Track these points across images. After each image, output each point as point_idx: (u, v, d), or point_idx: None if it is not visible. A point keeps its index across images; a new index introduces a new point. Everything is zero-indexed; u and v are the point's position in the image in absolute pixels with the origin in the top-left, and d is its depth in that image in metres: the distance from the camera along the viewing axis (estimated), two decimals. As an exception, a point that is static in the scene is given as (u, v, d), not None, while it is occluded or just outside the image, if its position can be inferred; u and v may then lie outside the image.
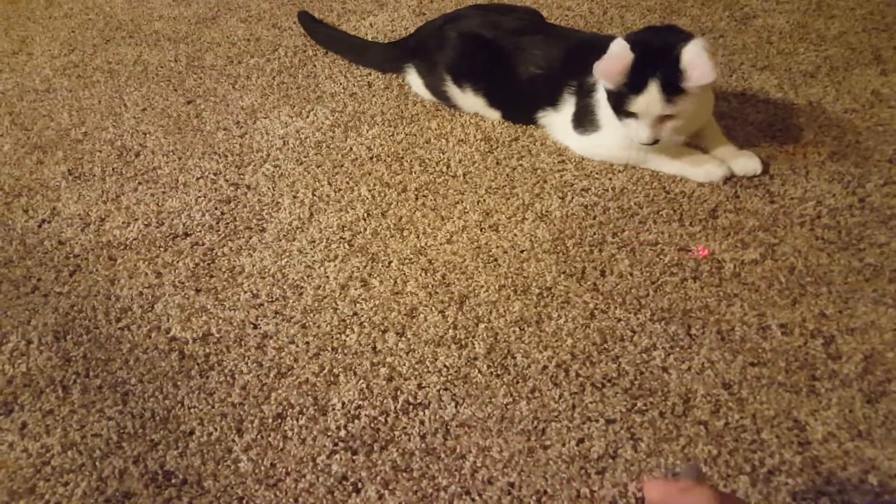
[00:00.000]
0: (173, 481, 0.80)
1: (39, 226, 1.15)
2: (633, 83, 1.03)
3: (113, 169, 1.26)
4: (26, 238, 1.13)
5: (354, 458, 0.81)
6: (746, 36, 1.49)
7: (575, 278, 1.00)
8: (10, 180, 1.25)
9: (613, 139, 1.14)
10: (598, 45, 1.14)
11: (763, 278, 0.98)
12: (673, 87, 1.01)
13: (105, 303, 1.01)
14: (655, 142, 1.08)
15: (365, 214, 1.14)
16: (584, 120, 1.17)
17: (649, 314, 0.94)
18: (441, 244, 1.08)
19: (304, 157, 1.27)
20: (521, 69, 1.22)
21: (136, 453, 0.82)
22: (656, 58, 1.03)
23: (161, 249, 1.09)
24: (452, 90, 1.30)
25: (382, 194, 1.18)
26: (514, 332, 0.93)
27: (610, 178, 1.16)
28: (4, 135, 1.37)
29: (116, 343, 0.95)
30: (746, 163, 1.14)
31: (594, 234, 1.06)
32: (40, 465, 0.82)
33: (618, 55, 1.04)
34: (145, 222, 1.14)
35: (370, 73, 1.47)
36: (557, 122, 1.22)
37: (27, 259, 1.09)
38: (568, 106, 1.19)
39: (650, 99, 1.03)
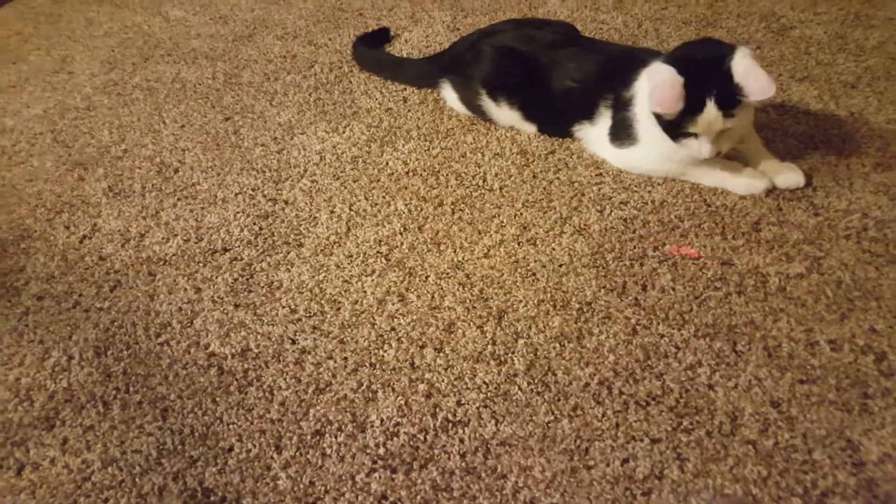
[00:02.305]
0: (212, 499, 0.79)
1: (80, 241, 1.17)
2: (690, 105, 1.01)
3: (152, 185, 1.28)
4: (67, 254, 1.15)
5: (394, 476, 0.80)
6: (784, 47, 1.47)
7: (616, 293, 0.98)
8: (52, 197, 1.28)
9: (652, 152, 1.13)
10: (633, 58, 1.13)
11: (809, 293, 0.96)
12: (730, 101, 1.00)
13: (145, 318, 1.02)
14: (717, 155, 1.06)
15: (402, 229, 1.14)
16: (622, 133, 1.16)
17: (693, 330, 0.92)
18: (478, 258, 1.07)
19: (341, 172, 1.28)
20: (557, 82, 1.21)
21: (176, 470, 0.83)
22: (706, 75, 1.01)
23: (200, 265, 1.10)
24: (488, 104, 1.30)
25: (419, 209, 1.18)
26: (554, 348, 0.92)
27: (649, 191, 1.14)
28: (46, 152, 1.40)
29: (156, 358, 0.96)
30: (789, 176, 1.11)
31: (634, 247, 1.05)
32: (81, 480, 0.82)
33: (669, 82, 1.01)
34: (184, 238, 1.16)
35: (405, 89, 1.48)
36: (594, 135, 1.21)
37: (68, 275, 1.11)
38: (604, 119, 1.18)
39: (710, 118, 1.01)
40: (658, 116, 1.06)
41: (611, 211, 1.12)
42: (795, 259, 1.01)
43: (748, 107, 1.03)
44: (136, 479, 0.82)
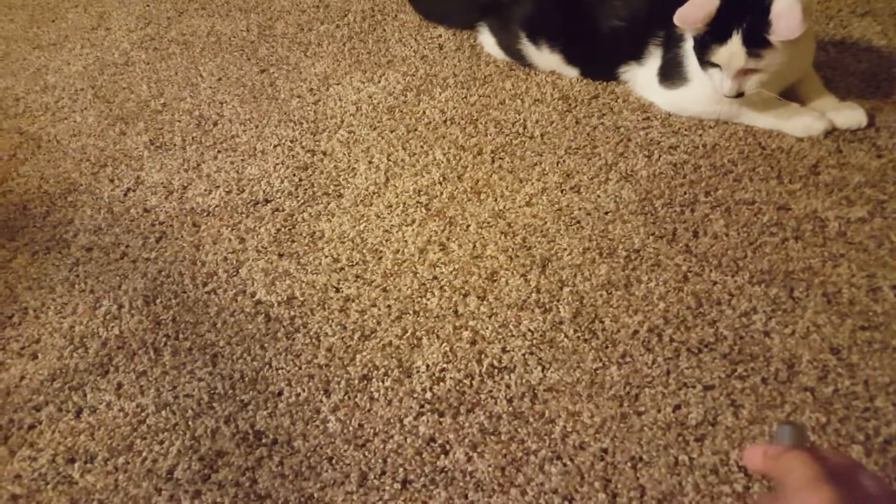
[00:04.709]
0: (264, 441, 0.81)
1: (125, 194, 1.18)
2: (716, 32, 0.96)
3: (192, 138, 1.28)
4: (113, 206, 1.16)
5: (441, 420, 0.80)
6: (845, -20, 1.38)
7: (665, 240, 0.95)
8: (96, 151, 1.29)
9: (703, 92, 1.08)
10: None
11: (872, 237, 0.91)
12: (758, 40, 0.94)
13: (191, 268, 1.03)
14: (739, 95, 1.01)
15: (441, 178, 1.12)
16: (672, 73, 1.11)
17: (748, 276, 0.89)
18: (520, 207, 1.04)
19: (378, 122, 1.26)
20: (602, 22, 1.16)
21: (227, 413, 0.84)
22: (744, 6, 0.95)
23: (243, 216, 1.10)
24: (528, 48, 1.25)
25: (458, 157, 1.15)
26: (601, 295, 0.90)
27: (700, 135, 1.10)
28: (88, 108, 1.41)
29: (204, 307, 0.97)
30: (850, 115, 1.05)
31: (685, 193, 1.01)
32: (136, 423, 0.84)
33: (703, 1, 0.97)
34: (226, 189, 1.16)
35: (441, 35, 1.44)
36: (642, 76, 1.16)
37: (115, 226, 1.12)
38: (654, 59, 1.13)
39: (732, 51, 0.96)
40: (694, 40, 1.01)
41: (659, 156, 1.08)
42: (857, 203, 0.96)
43: (783, 50, 0.95)
44: (189, 422, 0.83)
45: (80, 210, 1.16)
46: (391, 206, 1.09)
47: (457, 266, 0.98)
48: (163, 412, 0.85)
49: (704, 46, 0.99)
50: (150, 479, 0.78)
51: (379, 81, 1.36)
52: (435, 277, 0.97)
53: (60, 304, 1.00)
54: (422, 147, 1.19)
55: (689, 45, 1.07)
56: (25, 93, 1.47)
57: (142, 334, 0.94)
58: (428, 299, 0.94)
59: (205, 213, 1.12)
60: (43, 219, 1.15)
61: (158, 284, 1.01)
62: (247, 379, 0.87)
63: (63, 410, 0.86)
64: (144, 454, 0.81)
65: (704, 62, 1.01)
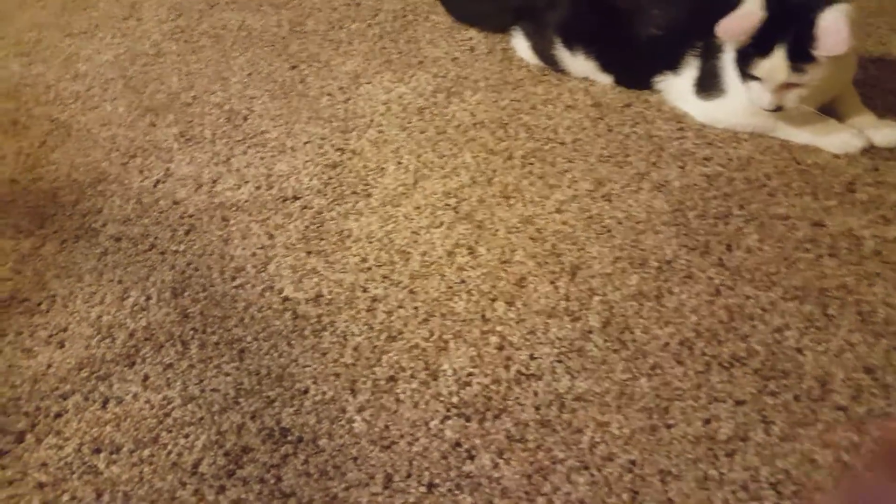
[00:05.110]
0: (289, 438, 0.81)
1: (154, 186, 1.19)
2: (759, 44, 0.96)
3: (222, 132, 1.29)
4: (142, 197, 1.17)
5: (468, 424, 0.80)
6: (883, -4, 1.36)
7: (698, 252, 0.94)
8: (126, 141, 1.29)
9: (740, 104, 1.07)
10: (726, 2, 1.06)
11: (908, 258, 0.90)
12: (802, 54, 0.93)
13: (220, 262, 1.03)
14: (778, 109, 1.00)
15: (470, 181, 1.12)
16: (709, 84, 1.10)
17: (781, 292, 0.88)
18: (550, 213, 1.04)
19: (408, 123, 1.26)
20: (639, 30, 1.15)
21: (253, 409, 0.84)
22: (789, 20, 0.94)
23: (272, 212, 1.10)
24: (562, 53, 1.25)
25: (487, 161, 1.15)
26: (631, 306, 0.89)
27: (734, 147, 1.09)
28: (118, 97, 1.42)
29: (232, 301, 0.97)
30: (888, 133, 1.04)
31: (718, 206, 1.00)
32: (162, 416, 0.85)
33: (747, 13, 0.97)
34: (255, 185, 1.16)
35: (472, 38, 1.44)
36: (677, 86, 1.15)
37: (144, 217, 1.13)
38: (690, 69, 1.12)
39: (774, 65, 0.95)
40: (735, 52, 1.00)
41: (693, 167, 1.07)
42: (893, 222, 0.95)
43: (827, 65, 0.94)
44: (215, 417, 0.83)
45: (110, 200, 1.16)
46: (419, 208, 1.09)
47: (485, 270, 0.97)
48: (189, 405, 0.85)
49: (746, 59, 0.98)
50: (175, 472, 0.79)
51: (409, 82, 1.35)
52: (463, 281, 0.96)
53: (88, 293, 1.00)
54: (451, 149, 1.18)
55: (727, 57, 1.06)
56: (56, 80, 1.49)
57: (169, 326, 0.94)
58: (455, 302, 0.94)
59: (234, 208, 1.12)
60: (72, 207, 1.16)
61: (187, 277, 1.01)
62: (273, 375, 0.87)
63: (89, 400, 0.87)
64: (170, 447, 0.81)
65: (745, 75, 1.00)
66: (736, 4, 1.02)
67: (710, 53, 1.09)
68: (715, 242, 0.95)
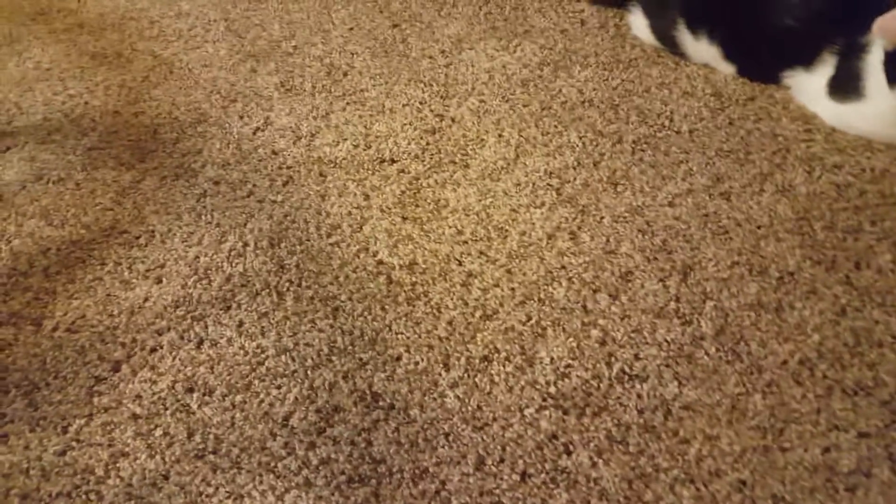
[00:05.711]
0: (381, 404, 0.79)
1: (254, 133, 1.18)
2: None
3: (322, 86, 1.27)
4: (242, 143, 1.16)
5: (565, 418, 0.77)
6: None
7: (823, 266, 0.88)
8: (226, 85, 1.29)
9: (880, 111, 0.99)
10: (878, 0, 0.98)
11: None
12: None
13: (316, 217, 1.02)
14: None
15: (575, 163, 1.07)
16: (846, 85, 1.02)
17: (913, 320, 0.82)
18: (661, 206, 0.99)
19: (511, 94, 1.21)
20: (773, 19, 1.07)
21: (346, 369, 0.83)
22: None
23: (369, 172, 1.08)
24: (684, 36, 1.18)
25: (594, 143, 1.10)
26: (748, 316, 0.84)
27: (868, 157, 1.01)
28: (220, 40, 1.41)
29: (327, 258, 0.96)
30: None
31: (848, 218, 0.93)
32: (255, 364, 0.84)
33: None
34: (353, 143, 1.14)
35: (583, 10, 1.37)
36: (808, 84, 1.08)
37: (242, 164, 1.12)
38: (826, 67, 1.05)
39: None
40: (889, 56, 0.92)
41: (821, 174, 1.00)
42: None
43: None
44: (308, 372, 0.83)
45: (210, 142, 1.16)
46: (520, 185, 1.05)
47: (587, 258, 0.93)
48: (282, 357, 0.84)
49: None
50: (266, 422, 0.78)
51: (514, 51, 1.30)
52: (563, 267, 0.93)
53: (186, 232, 1.00)
54: (556, 127, 1.14)
55: (873, 58, 0.98)
56: (160, 17, 1.49)
57: (265, 275, 0.94)
58: (555, 289, 0.90)
59: (331, 164, 1.10)
60: (173, 145, 1.16)
61: (284, 228, 1.00)
62: (366, 338, 0.86)
63: (185, 339, 0.87)
64: (262, 396, 0.81)
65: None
66: (889, 4, 0.93)
67: (851, 53, 1.02)
68: (843, 258, 0.89)
